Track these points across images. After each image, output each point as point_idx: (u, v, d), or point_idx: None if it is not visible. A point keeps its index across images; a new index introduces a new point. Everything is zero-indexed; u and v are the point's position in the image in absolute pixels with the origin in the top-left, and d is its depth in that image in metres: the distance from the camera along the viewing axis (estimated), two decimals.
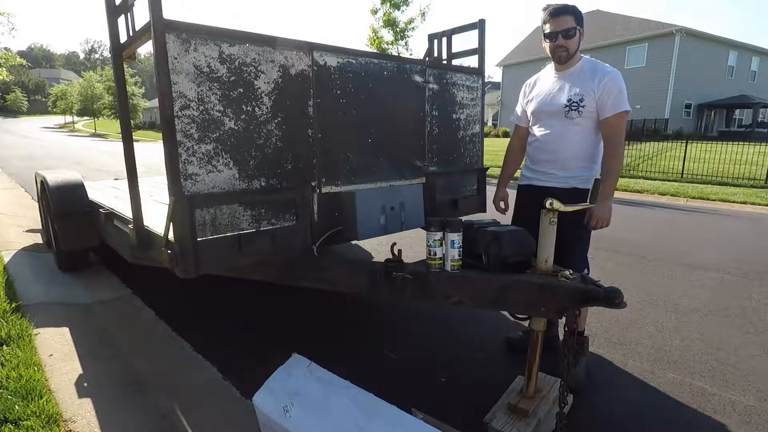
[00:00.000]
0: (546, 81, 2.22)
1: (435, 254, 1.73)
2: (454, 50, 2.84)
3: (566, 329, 1.58)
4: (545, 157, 2.20)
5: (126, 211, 2.36)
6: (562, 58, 2.08)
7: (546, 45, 2.11)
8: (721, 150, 11.26)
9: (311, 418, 1.45)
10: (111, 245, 2.84)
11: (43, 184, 3.44)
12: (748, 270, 3.96)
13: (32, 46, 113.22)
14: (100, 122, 39.82)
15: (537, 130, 2.23)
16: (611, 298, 1.43)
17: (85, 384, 2.09)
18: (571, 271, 1.59)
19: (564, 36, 2.02)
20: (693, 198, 8.21)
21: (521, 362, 1.94)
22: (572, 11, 2.02)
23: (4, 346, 2.26)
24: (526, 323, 1.88)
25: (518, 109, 2.37)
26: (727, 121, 26.74)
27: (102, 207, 2.88)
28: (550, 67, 2.23)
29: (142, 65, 72.36)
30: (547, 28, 2.06)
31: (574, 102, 2.05)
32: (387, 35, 12.70)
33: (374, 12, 12.60)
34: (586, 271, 2.14)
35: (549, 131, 2.17)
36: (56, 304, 2.98)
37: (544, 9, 2.08)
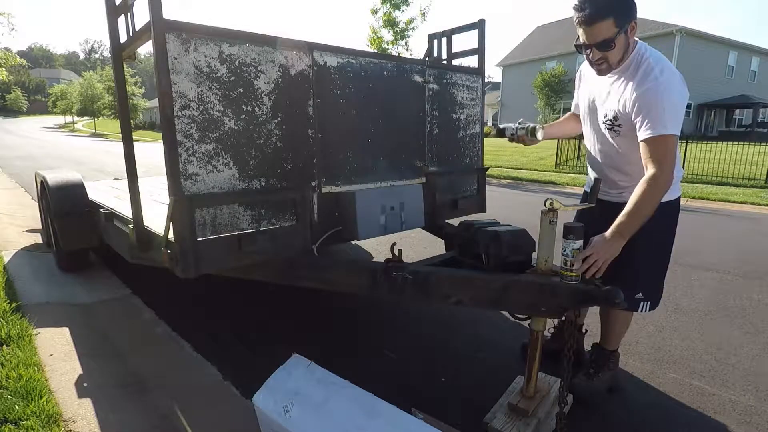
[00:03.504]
0: (592, 78, 1.86)
1: (573, 265, 1.51)
2: (454, 50, 2.84)
3: (566, 323, 1.57)
4: (596, 175, 1.98)
5: (126, 211, 2.36)
6: (603, 72, 1.68)
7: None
8: (721, 150, 11.23)
9: (311, 418, 1.45)
10: (111, 245, 2.84)
11: (43, 184, 3.44)
12: (748, 270, 3.96)
13: (32, 46, 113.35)
14: (100, 122, 39.81)
15: (586, 137, 2.01)
16: (610, 297, 1.43)
17: (85, 384, 2.09)
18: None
19: (599, 48, 1.59)
20: (693, 198, 8.20)
21: (521, 362, 1.94)
22: (610, 11, 1.52)
23: (4, 346, 2.26)
24: (526, 323, 1.88)
25: (575, 100, 2.10)
26: (727, 121, 26.74)
27: (102, 207, 2.88)
28: None
29: (142, 65, 72.37)
30: (579, 38, 1.62)
31: (609, 119, 1.75)
32: (387, 35, 12.70)
33: (374, 12, 12.59)
34: (648, 304, 1.89)
35: (595, 147, 1.94)
36: (56, 304, 2.98)
37: (575, 8, 1.59)
